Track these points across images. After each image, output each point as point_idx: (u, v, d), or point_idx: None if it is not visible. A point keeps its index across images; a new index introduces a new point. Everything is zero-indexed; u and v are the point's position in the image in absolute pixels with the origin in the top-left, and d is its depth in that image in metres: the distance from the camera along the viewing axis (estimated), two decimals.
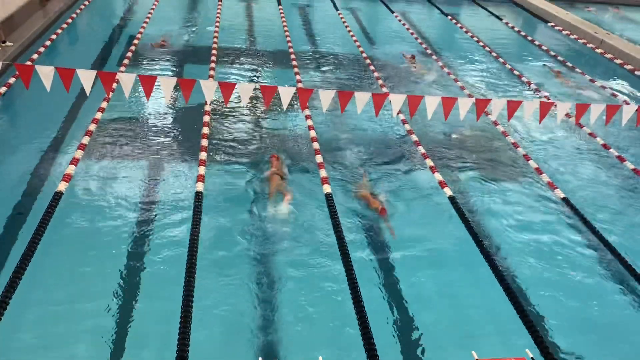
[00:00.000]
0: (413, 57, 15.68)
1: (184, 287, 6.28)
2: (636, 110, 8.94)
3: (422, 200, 9.03)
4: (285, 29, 17.23)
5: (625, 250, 7.93)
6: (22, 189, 8.18)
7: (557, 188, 9.45)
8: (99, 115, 10.18)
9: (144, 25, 16.02)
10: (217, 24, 16.97)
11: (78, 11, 16.86)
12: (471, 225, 8.05)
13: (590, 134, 11.63)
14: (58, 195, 7.71)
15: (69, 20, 15.81)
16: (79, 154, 8.82)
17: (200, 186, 8.32)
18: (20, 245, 6.69)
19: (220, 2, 19.65)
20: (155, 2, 18.75)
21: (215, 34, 15.91)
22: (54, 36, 14.29)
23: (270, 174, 9.09)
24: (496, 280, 6.97)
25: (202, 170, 8.75)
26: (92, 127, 9.74)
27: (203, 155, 9.23)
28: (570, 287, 7.43)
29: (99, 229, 7.52)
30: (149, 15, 17.02)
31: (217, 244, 7.43)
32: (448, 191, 8.94)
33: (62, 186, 7.91)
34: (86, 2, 17.91)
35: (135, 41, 14.58)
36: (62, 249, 7.13)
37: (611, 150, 11.02)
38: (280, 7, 20.03)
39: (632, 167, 10.42)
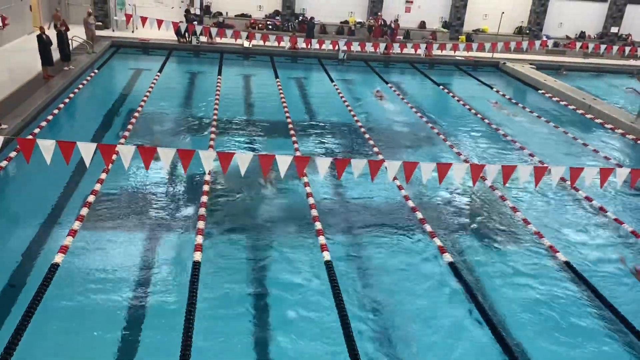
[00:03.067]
0: (378, 91, 20.03)
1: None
2: (629, 172, 9.05)
3: (421, 267, 8.95)
4: (283, 100, 17.69)
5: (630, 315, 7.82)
6: (18, 260, 8.08)
7: (558, 252, 9.40)
8: (97, 186, 10.24)
9: (145, 98, 16.44)
10: (217, 96, 17.43)
11: (80, 86, 17.36)
12: (473, 292, 7.94)
13: (586, 197, 11.69)
14: (54, 267, 7.63)
15: (71, 95, 16.24)
16: (76, 225, 8.80)
17: (197, 255, 8.25)
18: (14, 318, 6.57)
19: (219, 76, 20.28)
20: (156, 77, 19.33)
21: (216, 106, 16.31)
22: (56, 111, 14.63)
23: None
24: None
25: (199, 239, 8.70)
26: (91, 198, 9.77)
27: (201, 224, 9.21)
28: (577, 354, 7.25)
29: (95, 300, 7.36)
30: (150, 89, 17.50)
31: (214, 317, 7.29)
32: (448, 257, 8.89)
33: (59, 258, 7.84)
34: (88, 78, 18.47)
35: (136, 114, 14.91)
36: (57, 321, 6.95)
37: (609, 212, 11.05)
38: (277, 79, 20.66)
39: (630, 229, 10.41)
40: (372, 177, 8.55)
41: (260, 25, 28.09)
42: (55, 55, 17.63)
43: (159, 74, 20.02)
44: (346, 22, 29.67)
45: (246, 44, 24.27)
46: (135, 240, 8.92)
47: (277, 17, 28.87)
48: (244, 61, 24.24)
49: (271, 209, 10.38)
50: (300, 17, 28.85)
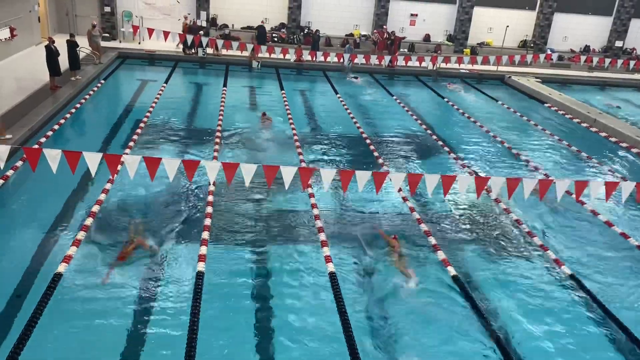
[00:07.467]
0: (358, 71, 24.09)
1: None
2: (635, 186, 9.01)
3: (425, 280, 8.90)
4: (288, 111, 17.74)
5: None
6: (21, 270, 8.08)
7: (563, 265, 9.34)
8: (102, 196, 10.26)
9: (151, 109, 16.52)
10: (222, 107, 17.49)
11: (87, 97, 17.46)
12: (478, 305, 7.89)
13: (592, 211, 11.62)
14: (57, 277, 7.62)
15: (78, 106, 16.34)
16: (80, 235, 8.80)
17: (201, 266, 8.24)
18: (17, 327, 6.58)
19: (225, 88, 20.37)
20: (162, 88, 19.43)
21: (220, 117, 16.36)
22: (62, 121, 14.71)
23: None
24: None
25: (203, 250, 8.70)
26: (95, 208, 9.78)
27: (205, 234, 9.21)
28: None
29: (97, 310, 7.35)
30: (156, 100, 17.58)
31: (217, 327, 7.26)
32: (452, 270, 8.84)
33: (62, 267, 7.84)
34: (94, 89, 18.59)
35: (142, 124, 14.97)
36: (60, 331, 6.93)
37: (614, 227, 10.98)
38: (282, 91, 20.73)
39: (636, 243, 10.33)
40: (377, 189, 8.54)
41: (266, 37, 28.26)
42: (65, 65, 17.80)
43: (164, 85, 20.12)
44: (351, 34, 29.81)
45: (254, 64, 24.45)
46: (139, 250, 8.91)
47: (283, 30, 29.03)
48: (249, 73, 24.35)
49: (275, 219, 10.37)
50: (306, 30, 29.01)
